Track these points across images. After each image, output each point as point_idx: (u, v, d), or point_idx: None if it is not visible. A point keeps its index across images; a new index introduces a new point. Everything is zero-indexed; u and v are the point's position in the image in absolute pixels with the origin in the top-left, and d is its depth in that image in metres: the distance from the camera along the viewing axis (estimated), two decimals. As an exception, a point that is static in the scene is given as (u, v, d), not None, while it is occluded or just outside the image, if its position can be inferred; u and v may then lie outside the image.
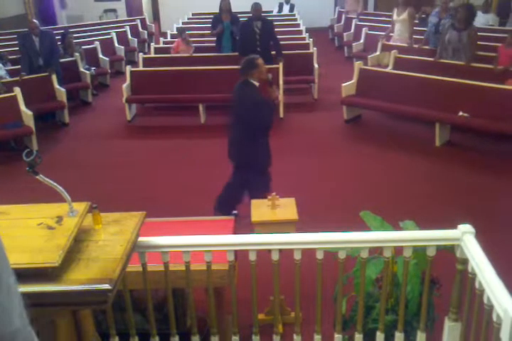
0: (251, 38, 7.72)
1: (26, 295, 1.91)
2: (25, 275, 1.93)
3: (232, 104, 4.55)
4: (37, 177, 2.19)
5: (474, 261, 2.34)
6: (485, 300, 2.23)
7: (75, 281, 2.01)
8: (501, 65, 7.12)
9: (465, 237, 2.47)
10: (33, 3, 13.30)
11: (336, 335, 2.80)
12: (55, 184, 2.24)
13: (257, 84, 4.39)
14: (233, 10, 8.68)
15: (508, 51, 7.24)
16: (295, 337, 2.82)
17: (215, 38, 9.04)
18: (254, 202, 3.79)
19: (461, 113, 6.50)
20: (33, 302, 1.93)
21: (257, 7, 7.77)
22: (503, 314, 1.99)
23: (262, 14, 8.21)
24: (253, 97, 4.36)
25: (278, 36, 8.24)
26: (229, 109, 4.64)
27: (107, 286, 1.98)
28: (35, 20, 8.25)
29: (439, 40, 7.99)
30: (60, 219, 2.21)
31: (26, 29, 8.06)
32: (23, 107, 6.90)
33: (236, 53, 8.40)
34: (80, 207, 2.29)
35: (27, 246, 2.07)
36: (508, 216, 4.85)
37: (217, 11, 8.76)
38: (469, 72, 7.03)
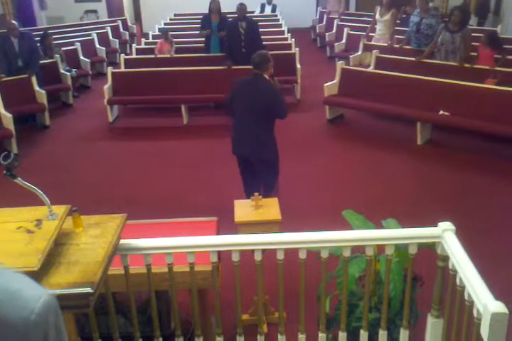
0: (236, 38, 7.74)
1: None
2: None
3: (244, 99, 4.53)
4: (15, 180, 2.15)
5: (455, 258, 2.36)
6: (466, 297, 2.25)
7: (56, 285, 1.99)
8: (480, 64, 7.22)
9: (445, 234, 2.49)
10: (12, 4, 13.11)
11: (320, 334, 2.80)
12: (33, 187, 2.20)
13: (267, 77, 4.54)
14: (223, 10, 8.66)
15: (484, 52, 7.35)
16: (279, 336, 2.82)
17: (197, 39, 9.03)
18: (238, 202, 3.78)
19: (441, 111, 6.58)
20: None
21: (242, 7, 7.80)
22: (483, 310, 2.02)
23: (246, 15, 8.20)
24: (273, 88, 4.57)
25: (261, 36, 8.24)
26: (231, 106, 4.63)
27: (88, 290, 1.96)
28: (14, 21, 8.14)
29: (420, 40, 8.09)
30: (39, 223, 2.18)
31: (5, 30, 7.94)
32: (2, 110, 6.79)
33: (220, 54, 8.41)
34: (60, 210, 2.26)
35: (6, 250, 2.03)
36: (488, 212, 4.91)
37: (199, 11, 8.76)
38: (449, 72, 7.12)
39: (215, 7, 8.36)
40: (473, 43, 7.64)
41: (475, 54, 7.49)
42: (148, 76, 8.07)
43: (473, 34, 8.05)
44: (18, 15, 13.11)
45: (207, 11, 8.51)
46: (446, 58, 7.49)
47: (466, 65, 7.24)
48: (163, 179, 5.90)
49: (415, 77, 7.01)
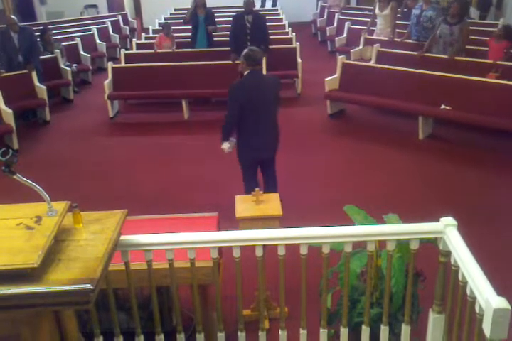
0: (241, 31, 7.74)
1: (7, 297, 1.90)
2: (4, 276, 1.90)
3: (259, 99, 4.40)
4: (14, 177, 2.14)
5: (457, 254, 2.35)
6: (468, 292, 2.24)
7: (56, 282, 1.98)
8: (491, 59, 7.17)
9: (447, 230, 2.48)
10: (12, -1, 13.07)
11: (322, 330, 2.80)
12: (32, 183, 2.19)
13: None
14: (214, 5, 8.67)
15: (497, 45, 7.30)
16: (281, 332, 2.81)
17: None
18: (238, 197, 3.77)
19: (443, 106, 6.55)
20: (13, 303, 1.93)
21: (249, 1, 7.80)
22: (485, 305, 2.01)
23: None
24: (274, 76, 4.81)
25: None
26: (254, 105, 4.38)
27: (88, 286, 1.95)
28: (13, 17, 8.10)
29: (420, 32, 8.05)
30: (39, 219, 2.17)
31: (4, 25, 7.91)
32: (2, 105, 6.78)
33: (211, 49, 8.47)
34: (60, 206, 2.25)
35: (6, 247, 2.02)
36: (489, 208, 4.90)
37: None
38: (451, 66, 7.07)
39: (200, 1, 8.37)
40: (474, 37, 7.59)
41: (476, 48, 7.45)
42: (148, 71, 8.05)
43: (476, 28, 8.03)
44: (18, 10, 13.07)
45: (209, 5, 8.53)
46: (445, 51, 7.44)
47: (457, 58, 7.20)
48: (164, 174, 5.89)
49: (417, 71, 6.98)
